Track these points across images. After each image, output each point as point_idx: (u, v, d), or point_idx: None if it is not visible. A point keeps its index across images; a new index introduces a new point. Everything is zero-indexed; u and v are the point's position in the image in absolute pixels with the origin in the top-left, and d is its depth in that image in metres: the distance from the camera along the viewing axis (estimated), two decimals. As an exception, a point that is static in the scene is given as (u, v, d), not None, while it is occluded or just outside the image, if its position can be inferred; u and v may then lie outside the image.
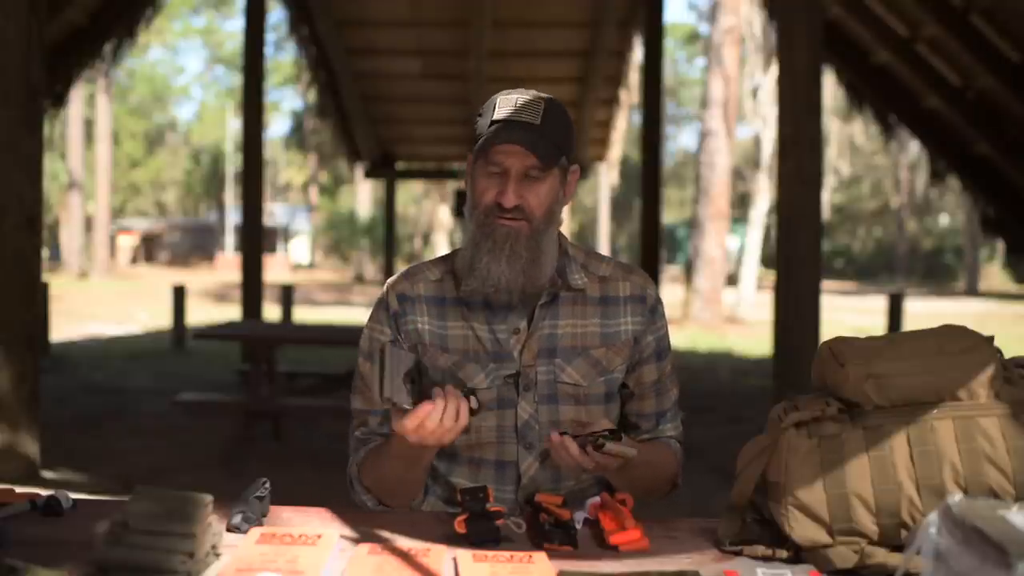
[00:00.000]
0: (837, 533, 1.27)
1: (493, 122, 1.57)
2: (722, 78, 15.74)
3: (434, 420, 1.42)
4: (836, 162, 30.45)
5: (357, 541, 1.36)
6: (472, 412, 1.47)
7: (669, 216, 37.49)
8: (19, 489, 1.51)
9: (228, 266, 32.82)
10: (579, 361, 1.64)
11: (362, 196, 35.90)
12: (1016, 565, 0.91)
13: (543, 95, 1.61)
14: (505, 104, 1.58)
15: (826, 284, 9.07)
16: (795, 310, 5.68)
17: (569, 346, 1.65)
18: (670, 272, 29.98)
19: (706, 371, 10.19)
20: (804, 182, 5.65)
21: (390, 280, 1.73)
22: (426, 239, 36.95)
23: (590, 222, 37.06)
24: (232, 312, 14.91)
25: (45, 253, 28.03)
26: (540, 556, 1.28)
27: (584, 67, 11.57)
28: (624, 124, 14.46)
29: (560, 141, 1.59)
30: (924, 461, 1.26)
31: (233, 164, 37.44)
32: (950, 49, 7.67)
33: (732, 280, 20.62)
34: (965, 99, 8.01)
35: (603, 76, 11.84)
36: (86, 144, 28.84)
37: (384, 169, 14.79)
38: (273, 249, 38.69)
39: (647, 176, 9.00)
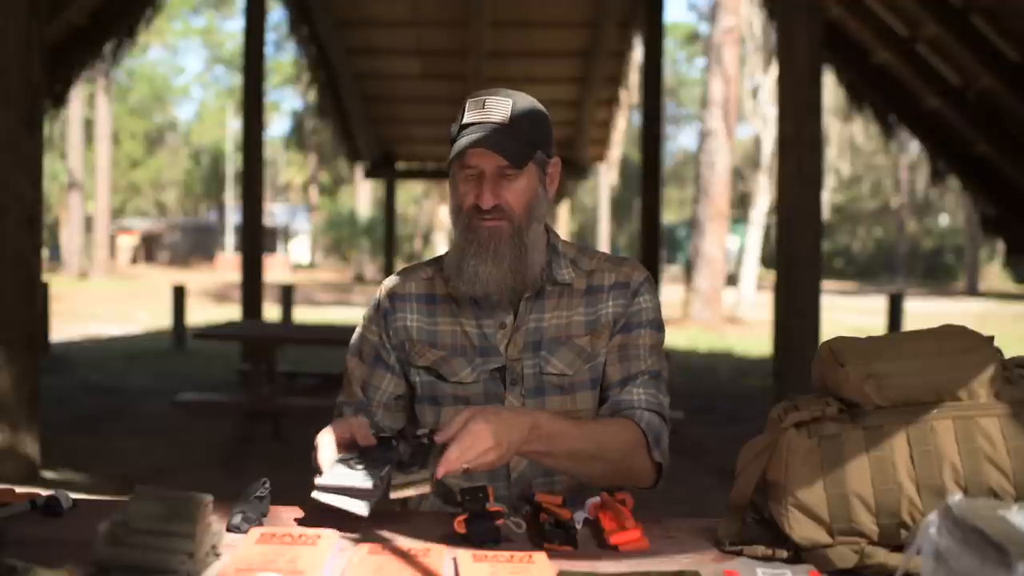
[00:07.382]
0: (837, 533, 1.27)
1: (462, 127, 1.59)
2: (722, 78, 15.74)
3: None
4: (836, 162, 30.43)
5: (357, 541, 1.36)
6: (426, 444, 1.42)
7: (669, 216, 37.49)
8: (19, 489, 1.51)
9: (228, 266, 32.85)
10: (563, 351, 1.66)
11: (362, 196, 35.93)
12: (1016, 565, 0.91)
13: (512, 93, 1.62)
14: (473, 108, 1.60)
15: (826, 284, 9.06)
16: (795, 310, 5.67)
17: (554, 337, 1.67)
18: (670, 272, 29.99)
19: (706, 371, 10.19)
20: (804, 182, 5.64)
21: (386, 280, 1.78)
22: (426, 239, 36.98)
23: (590, 222, 37.08)
24: (232, 312, 14.91)
25: (45, 253, 28.01)
26: (540, 556, 1.28)
27: (584, 67, 11.56)
28: (624, 124, 14.45)
29: (532, 137, 1.61)
30: (924, 461, 1.26)
31: (233, 164, 37.43)
32: (950, 49, 7.66)
33: (732, 280, 20.63)
34: (965, 99, 8.00)
35: (603, 76, 11.83)
36: (86, 144, 28.85)
37: (384, 169, 14.79)
38: (273, 249, 38.70)
39: (647, 176, 8.98)
